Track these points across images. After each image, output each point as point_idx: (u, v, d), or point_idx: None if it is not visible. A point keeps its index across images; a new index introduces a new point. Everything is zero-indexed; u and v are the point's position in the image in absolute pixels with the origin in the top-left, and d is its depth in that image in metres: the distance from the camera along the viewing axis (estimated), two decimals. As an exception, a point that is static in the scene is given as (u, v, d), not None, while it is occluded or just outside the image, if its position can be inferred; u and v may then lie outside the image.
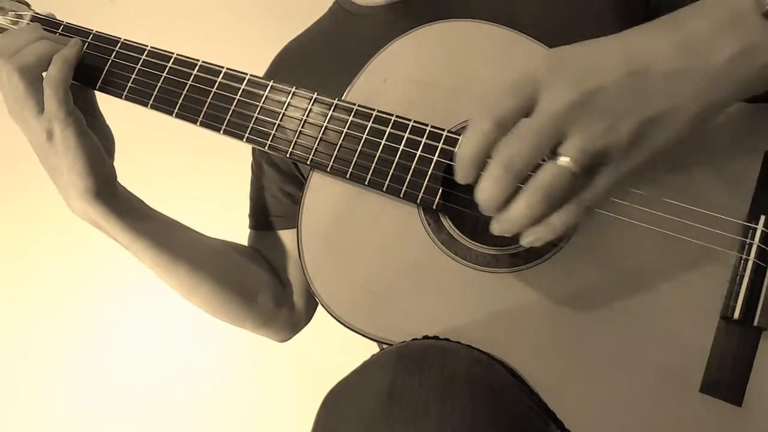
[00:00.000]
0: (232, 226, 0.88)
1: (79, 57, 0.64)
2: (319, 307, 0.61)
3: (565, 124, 0.42)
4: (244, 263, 0.80)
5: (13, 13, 0.69)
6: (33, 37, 0.63)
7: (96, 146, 0.63)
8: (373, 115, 0.61)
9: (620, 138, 0.42)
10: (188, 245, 0.73)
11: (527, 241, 0.45)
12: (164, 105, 0.65)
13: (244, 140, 0.64)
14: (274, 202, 0.83)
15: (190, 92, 0.65)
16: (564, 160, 0.42)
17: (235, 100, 0.64)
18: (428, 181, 0.58)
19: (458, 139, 0.58)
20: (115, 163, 0.70)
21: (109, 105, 0.70)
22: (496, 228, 0.45)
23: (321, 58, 0.77)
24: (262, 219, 0.84)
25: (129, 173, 0.70)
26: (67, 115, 0.60)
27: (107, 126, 0.71)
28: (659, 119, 0.42)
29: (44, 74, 0.62)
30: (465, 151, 0.44)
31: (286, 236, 0.82)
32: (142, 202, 0.71)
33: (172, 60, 0.66)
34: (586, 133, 0.42)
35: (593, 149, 0.42)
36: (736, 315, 0.51)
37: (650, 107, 0.42)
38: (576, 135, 0.42)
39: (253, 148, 0.85)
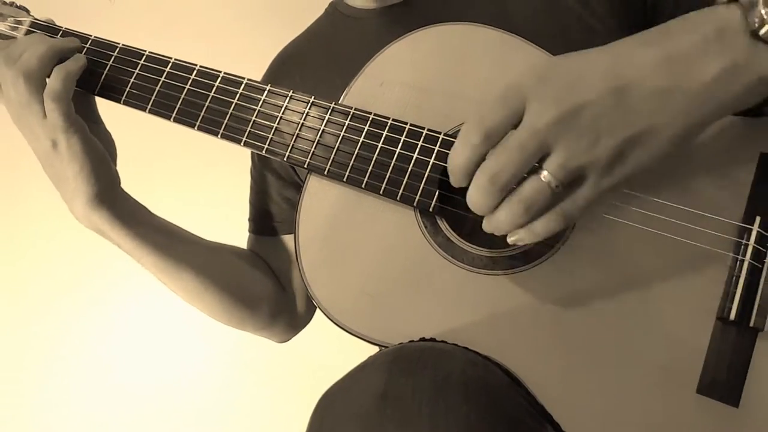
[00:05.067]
0: (231, 229, 0.89)
1: (81, 71, 0.64)
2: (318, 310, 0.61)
3: (548, 140, 0.43)
4: (246, 268, 0.80)
5: (12, 18, 0.70)
6: (34, 42, 0.62)
7: (101, 152, 0.64)
8: (370, 119, 0.61)
9: (600, 156, 0.43)
10: (191, 251, 0.73)
11: (511, 240, 0.48)
12: (162, 109, 0.66)
13: (242, 144, 0.64)
14: (273, 208, 0.83)
15: (188, 96, 0.65)
16: (545, 174, 0.44)
17: (233, 104, 0.64)
18: (425, 184, 0.59)
19: (454, 142, 0.59)
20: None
21: (107, 110, 0.70)
22: (486, 227, 0.49)
23: (317, 61, 0.77)
24: (261, 224, 0.84)
25: (127, 177, 0.70)
26: (71, 125, 0.60)
27: (108, 132, 0.71)
28: (640, 138, 0.43)
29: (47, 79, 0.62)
30: (456, 161, 0.47)
31: (286, 241, 0.83)
32: (145, 207, 0.71)
33: (170, 65, 0.66)
34: (567, 150, 0.43)
35: (574, 165, 0.43)
36: (733, 316, 0.51)
37: (632, 126, 0.43)
38: (558, 151, 0.43)
39: (253, 154, 0.85)
